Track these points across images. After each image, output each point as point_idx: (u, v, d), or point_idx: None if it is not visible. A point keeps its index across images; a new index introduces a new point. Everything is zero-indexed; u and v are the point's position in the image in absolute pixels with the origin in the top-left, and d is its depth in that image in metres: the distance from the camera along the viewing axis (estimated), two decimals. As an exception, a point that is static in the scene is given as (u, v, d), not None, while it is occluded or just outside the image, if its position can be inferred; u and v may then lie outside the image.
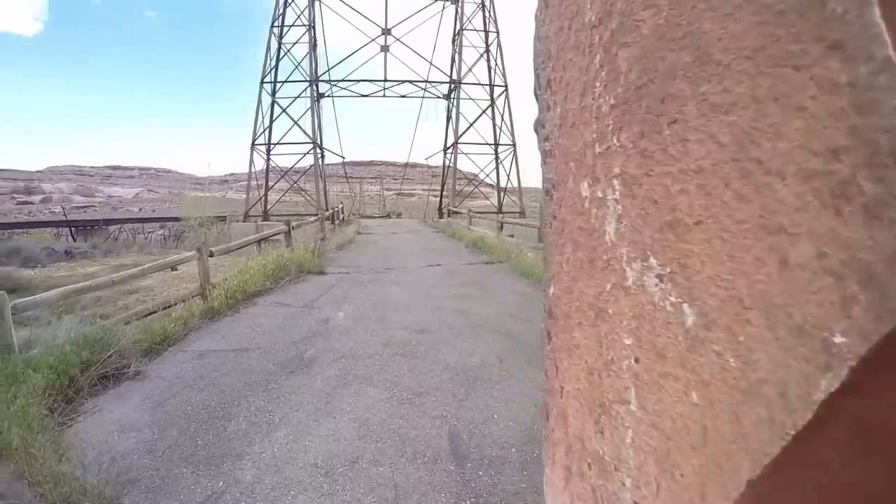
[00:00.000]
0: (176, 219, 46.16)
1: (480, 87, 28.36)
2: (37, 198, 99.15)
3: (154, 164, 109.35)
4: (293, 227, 12.22)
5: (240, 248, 9.80)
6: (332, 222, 19.47)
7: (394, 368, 5.27)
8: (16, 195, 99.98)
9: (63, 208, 68.13)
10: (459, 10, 28.24)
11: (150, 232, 52.94)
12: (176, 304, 7.76)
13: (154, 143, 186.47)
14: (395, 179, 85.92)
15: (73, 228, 48.77)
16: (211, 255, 8.72)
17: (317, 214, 18.22)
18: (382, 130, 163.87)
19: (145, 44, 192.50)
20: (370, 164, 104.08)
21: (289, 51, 27.87)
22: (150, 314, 7.22)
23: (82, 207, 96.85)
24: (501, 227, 16.21)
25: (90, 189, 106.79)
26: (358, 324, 6.91)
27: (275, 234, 11.70)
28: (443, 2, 29.18)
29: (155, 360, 5.72)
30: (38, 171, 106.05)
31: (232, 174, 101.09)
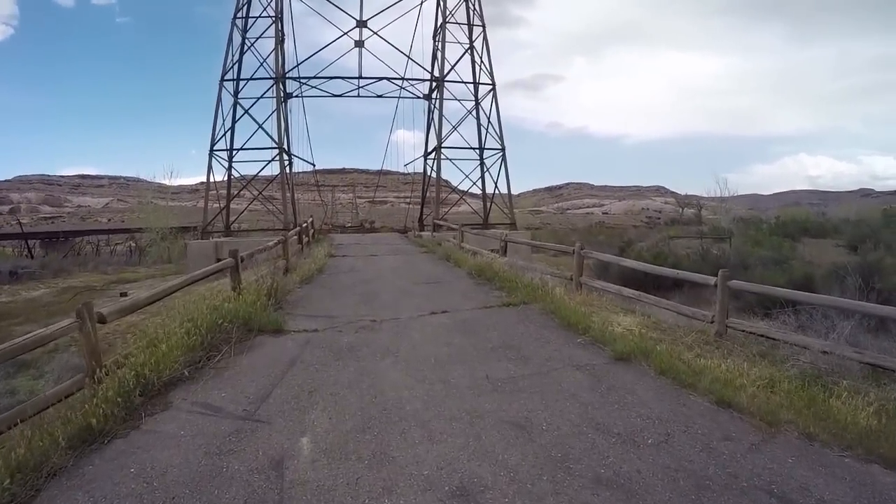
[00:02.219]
0: (138, 230, 42.30)
1: (464, 85, 25.22)
2: (5, 208, 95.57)
3: (124, 173, 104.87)
4: (243, 260, 8.83)
5: (150, 303, 6.38)
6: (301, 241, 16.01)
7: None
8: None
9: (19, 221, 63.29)
10: (442, 2, 25.08)
11: (117, 244, 48.71)
12: (46, 408, 4.48)
13: (125, 151, 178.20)
14: (368, 187, 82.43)
15: (29, 243, 44.38)
16: (102, 321, 5.35)
17: (284, 231, 14.77)
18: (355, 138, 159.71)
19: (116, 50, 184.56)
20: (342, 171, 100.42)
21: (252, 45, 24.28)
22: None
23: (50, 218, 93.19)
24: (506, 247, 13.00)
25: (59, 199, 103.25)
26: (338, 474, 3.62)
27: (213, 273, 8.26)
28: (423, -7, 26.05)
29: None
30: (5, 181, 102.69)
31: (203, 182, 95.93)
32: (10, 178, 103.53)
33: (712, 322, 7.74)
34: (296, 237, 15.65)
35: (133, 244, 43.55)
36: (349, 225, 51.49)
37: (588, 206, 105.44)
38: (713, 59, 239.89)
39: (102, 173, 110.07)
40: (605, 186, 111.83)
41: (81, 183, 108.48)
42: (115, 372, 5.21)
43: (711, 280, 7.79)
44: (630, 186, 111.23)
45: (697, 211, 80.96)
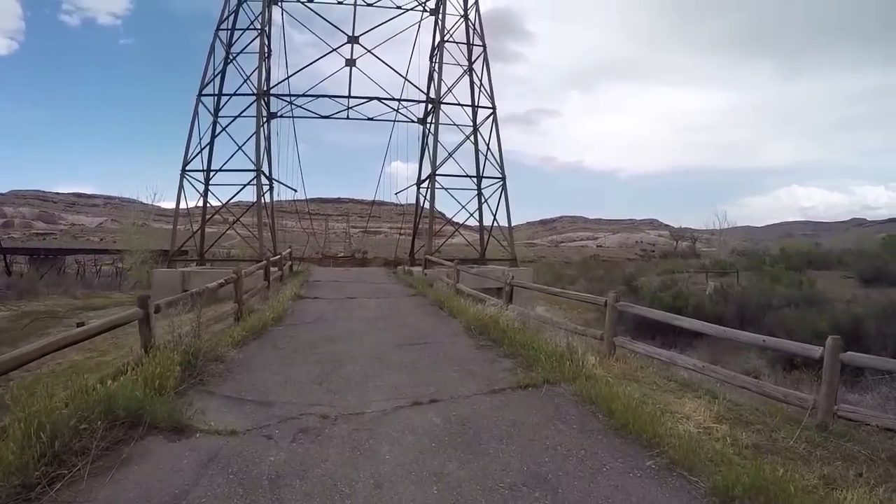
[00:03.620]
0: (117, 251, 40.03)
1: (462, 109, 22.91)
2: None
3: (120, 194, 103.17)
4: (158, 310, 6.24)
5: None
6: (267, 277, 13.34)
7: None
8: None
9: (-2, 236, 60.90)
10: (440, 21, 22.96)
11: (104, 265, 46.13)
12: None
13: (121, 171, 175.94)
14: (362, 217, 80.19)
15: (8, 259, 41.73)
16: None
17: (242, 266, 12.12)
18: (350, 167, 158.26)
19: (118, 71, 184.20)
20: (337, 201, 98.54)
21: (234, 58, 21.97)
22: None
23: (42, 234, 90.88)
24: (511, 293, 10.40)
25: (53, 216, 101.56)
26: None
27: (107, 330, 5.66)
28: (420, 11, 23.95)
29: None
30: (0, 195, 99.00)
31: (197, 206, 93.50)
32: (4, 191, 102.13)
33: (813, 409, 5.29)
34: (262, 272, 13.06)
35: (119, 266, 41.06)
36: (341, 255, 49.20)
37: (582, 240, 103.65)
38: (705, 94, 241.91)
39: (98, 192, 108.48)
40: (599, 220, 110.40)
41: (76, 201, 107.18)
42: None
43: (815, 351, 5.36)
44: (624, 220, 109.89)
45: (692, 243, 79.07)
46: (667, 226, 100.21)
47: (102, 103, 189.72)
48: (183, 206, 21.70)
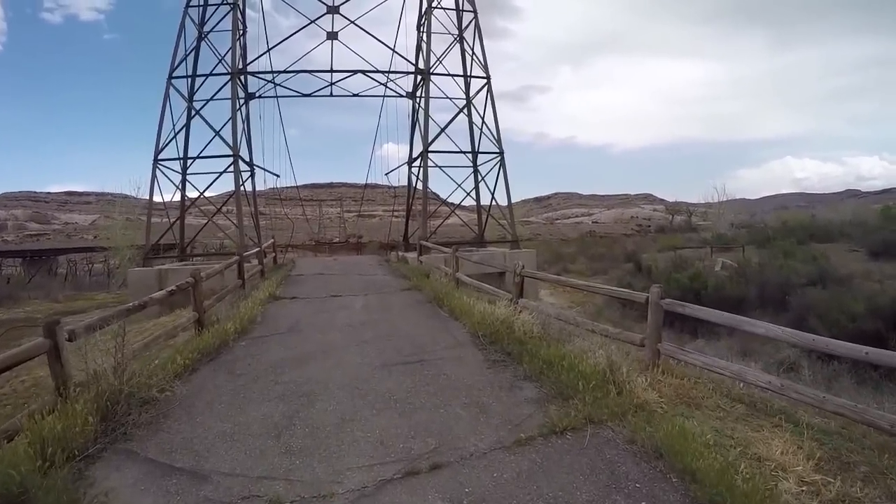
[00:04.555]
0: (102, 249, 38.49)
1: (454, 80, 21.08)
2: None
3: (112, 190, 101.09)
4: (72, 337, 4.65)
5: None
6: (241, 275, 11.71)
7: None
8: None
9: (-20, 238, 59.03)
10: (426, -16, 21.00)
11: (100, 262, 44.58)
12: None
13: (112, 167, 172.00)
14: (356, 201, 78.24)
15: (-4, 261, 40.10)
16: None
17: (209, 263, 10.46)
18: (343, 152, 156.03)
19: (103, 66, 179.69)
20: (330, 186, 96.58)
21: (206, 36, 20.00)
22: None
23: (36, 235, 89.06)
24: (522, 285, 8.82)
25: (46, 216, 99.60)
26: None
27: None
28: (405, -23, 21.96)
29: None
30: None
31: (188, 198, 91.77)
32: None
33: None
34: (236, 269, 11.47)
35: (112, 264, 39.49)
36: (336, 240, 47.64)
37: (577, 216, 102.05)
38: (699, 66, 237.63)
39: (90, 189, 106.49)
40: (594, 195, 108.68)
41: (69, 200, 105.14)
42: None
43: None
44: (618, 195, 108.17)
45: (688, 217, 77.74)
46: (662, 200, 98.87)
47: (90, 99, 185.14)
48: (158, 198, 19.89)
